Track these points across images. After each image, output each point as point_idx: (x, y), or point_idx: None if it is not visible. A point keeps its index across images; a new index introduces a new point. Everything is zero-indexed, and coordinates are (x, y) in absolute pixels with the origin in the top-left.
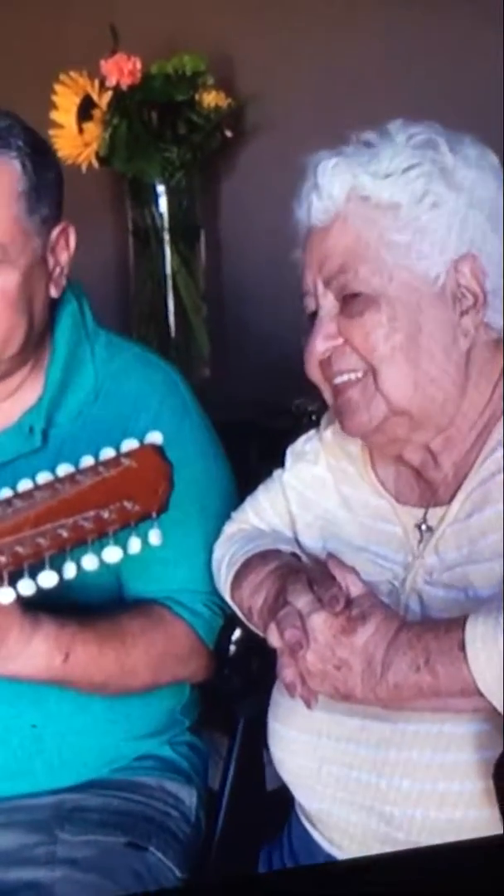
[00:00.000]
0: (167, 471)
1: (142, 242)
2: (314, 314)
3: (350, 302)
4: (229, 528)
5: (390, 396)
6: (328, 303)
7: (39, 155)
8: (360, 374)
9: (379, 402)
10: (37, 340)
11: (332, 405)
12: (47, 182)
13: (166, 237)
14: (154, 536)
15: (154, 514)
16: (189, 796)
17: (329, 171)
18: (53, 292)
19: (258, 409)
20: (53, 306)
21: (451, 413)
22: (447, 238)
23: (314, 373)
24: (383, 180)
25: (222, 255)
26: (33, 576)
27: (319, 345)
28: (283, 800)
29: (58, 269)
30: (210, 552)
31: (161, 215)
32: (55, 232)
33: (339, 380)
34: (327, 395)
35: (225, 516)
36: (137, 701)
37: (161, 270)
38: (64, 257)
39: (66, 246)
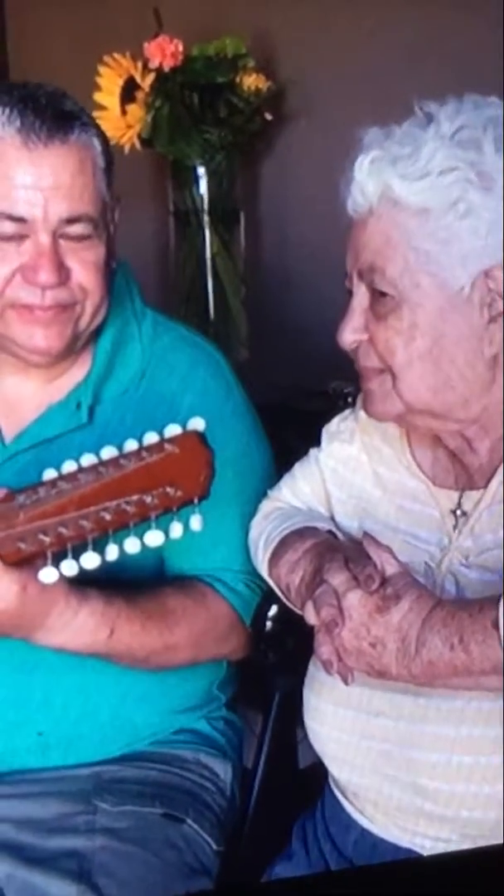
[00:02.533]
0: (209, 457)
1: (182, 224)
2: (351, 293)
3: (378, 299)
4: (266, 506)
5: (406, 398)
6: (360, 294)
7: (104, 133)
8: (380, 370)
9: (395, 400)
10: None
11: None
12: (112, 156)
13: (206, 219)
14: (195, 522)
15: (196, 501)
16: (225, 771)
17: (366, 167)
18: (113, 264)
19: (295, 392)
20: None
21: (477, 409)
22: (477, 247)
23: (353, 356)
24: (416, 182)
25: (261, 237)
26: (76, 556)
27: (347, 336)
28: (316, 776)
29: (113, 243)
30: (247, 533)
31: (201, 197)
32: (115, 203)
33: (362, 369)
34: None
35: (265, 494)
36: (176, 677)
37: (201, 252)
38: (113, 230)
39: (113, 218)
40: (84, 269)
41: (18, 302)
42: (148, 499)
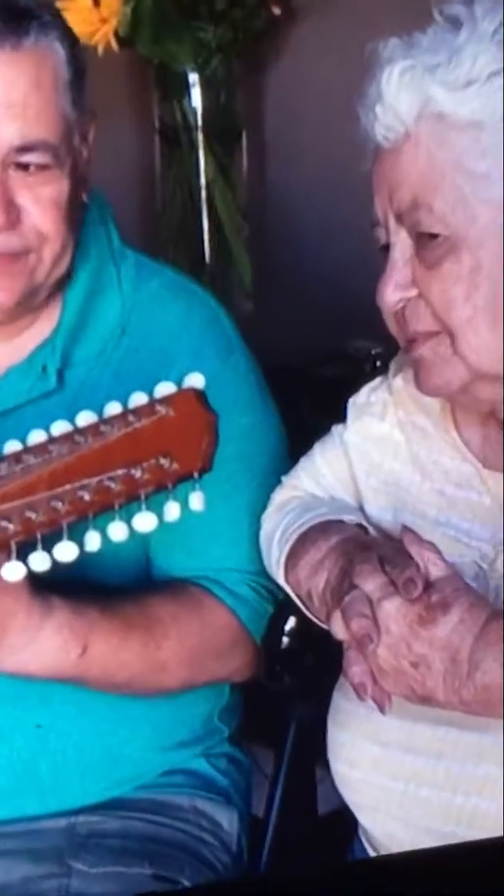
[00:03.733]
0: (211, 421)
1: (170, 145)
2: (387, 247)
3: (426, 244)
4: (280, 496)
5: (471, 361)
6: (401, 242)
7: (72, 33)
8: (434, 332)
9: (457, 366)
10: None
11: (410, 358)
12: (83, 64)
13: (200, 138)
14: (196, 500)
15: (196, 474)
16: (229, 820)
17: (395, 80)
18: (84, 197)
19: (310, 353)
20: None
21: None
22: None
23: (389, 322)
24: (463, 91)
25: (267, 161)
26: (48, 548)
27: (390, 295)
28: (340, 825)
29: (85, 170)
30: (257, 523)
31: (194, 111)
32: (87, 124)
33: (413, 334)
34: (403, 346)
35: (275, 479)
36: (166, 703)
37: (193, 180)
38: (86, 155)
39: (87, 142)
40: (40, 208)
41: None
42: (137, 473)
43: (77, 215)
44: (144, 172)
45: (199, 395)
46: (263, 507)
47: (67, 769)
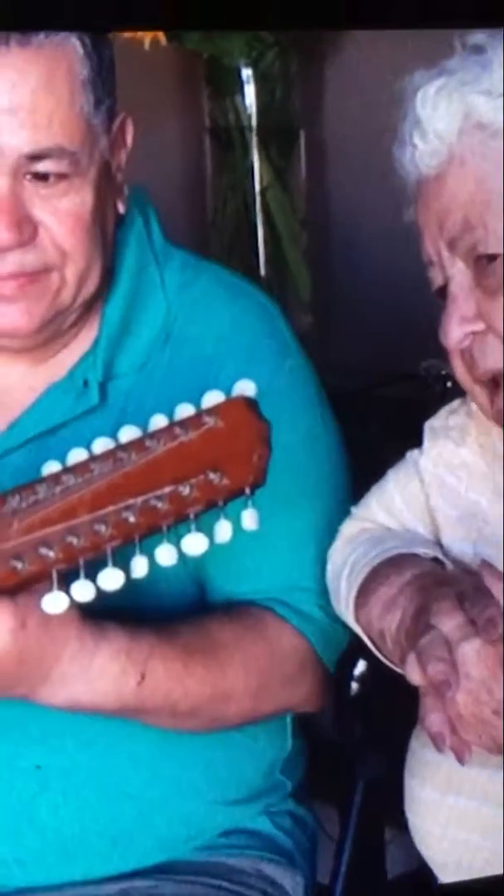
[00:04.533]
0: (264, 431)
1: (222, 147)
2: (443, 289)
3: (486, 269)
4: (349, 528)
5: None
6: (458, 273)
7: (93, 25)
8: None
9: None
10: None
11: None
12: (108, 60)
13: (254, 140)
14: (249, 519)
15: (248, 490)
16: (293, 885)
17: (431, 98)
18: (120, 207)
19: (375, 372)
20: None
21: None
22: None
23: (457, 367)
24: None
25: (328, 165)
26: (92, 575)
27: (455, 331)
28: (412, 889)
29: (120, 175)
30: (321, 540)
31: (247, 110)
32: (115, 126)
33: (482, 375)
34: (469, 390)
35: (338, 495)
36: (223, 751)
37: (247, 185)
38: (123, 158)
39: (123, 143)
40: (60, 222)
41: None
42: (185, 490)
43: (109, 228)
44: (194, 177)
45: (250, 404)
46: (325, 527)
47: (117, 831)
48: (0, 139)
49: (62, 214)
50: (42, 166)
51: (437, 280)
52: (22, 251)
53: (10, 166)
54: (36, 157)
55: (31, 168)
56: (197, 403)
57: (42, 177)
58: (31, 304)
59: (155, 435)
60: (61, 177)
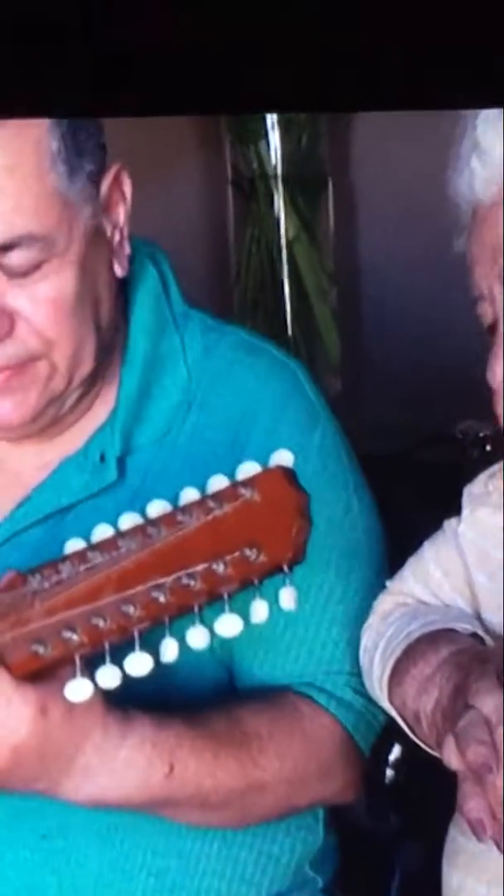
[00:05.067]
0: (303, 503)
1: (245, 197)
2: (493, 326)
3: None
4: (383, 604)
5: None
6: None
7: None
8: None
9: None
10: (109, 340)
11: None
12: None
13: (279, 189)
14: (287, 597)
15: (286, 566)
16: None
17: (492, 122)
18: (119, 271)
19: (408, 436)
20: (123, 283)
21: None
22: None
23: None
24: None
25: (358, 216)
26: (118, 660)
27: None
28: None
29: (118, 236)
30: (356, 618)
31: (272, 158)
32: (105, 185)
33: None
34: None
35: (373, 569)
36: (245, 846)
37: (273, 238)
38: (122, 216)
39: (122, 198)
40: (38, 309)
41: None
42: (219, 568)
43: (105, 298)
44: (215, 231)
45: (288, 475)
46: (360, 604)
47: None
48: None
49: (40, 302)
50: (12, 258)
51: (486, 316)
52: (1, 344)
53: None
54: (3, 248)
55: (1, 256)
56: (229, 475)
57: (12, 268)
58: (20, 396)
59: (187, 509)
60: (33, 266)
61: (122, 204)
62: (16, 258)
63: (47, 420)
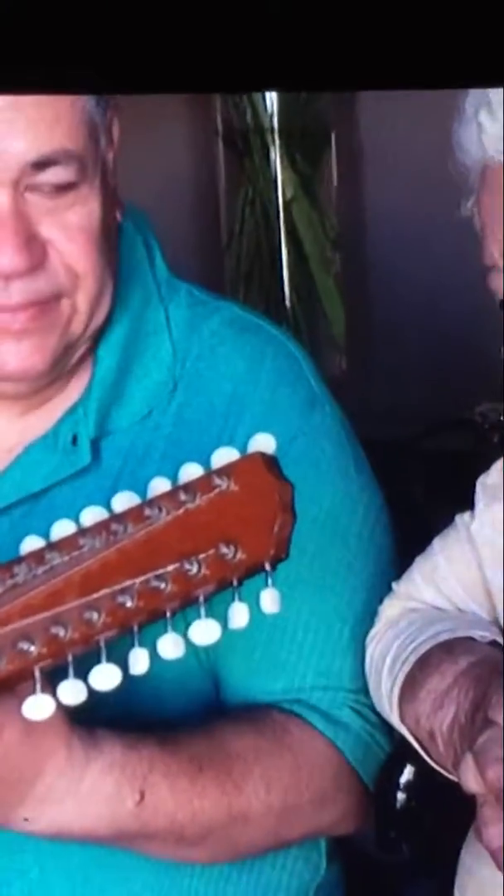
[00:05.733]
0: (286, 494)
1: (237, 154)
2: None
3: None
4: (390, 609)
5: None
6: None
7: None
8: None
9: None
10: None
11: None
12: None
13: (276, 146)
14: (269, 600)
15: (268, 564)
16: None
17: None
18: (118, 214)
19: (421, 420)
20: None
21: None
22: None
23: None
24: None
25: (363, 174)
26: (82, 673)
27: None
28: None
29: (112, 180)
30: (357, 625)
31: (268, 109)
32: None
33: None
34: None
35: (377, 569)
36: (237, 881)
37: (268, 198)
38: (111, 158)
39: (112, 141)
40: (71, 240)
41: None
42: (192, 568)
43: (114, 244)
44: (204, 190)
45: (269, 463)
46: (362, 609)
47: None
48: (0, 146)
49: (73, 230)
50: (48, 175)
51: (500, 288)
52: (31, 278)
53: (12, 178)
54: (41, 164)
55: (34, 178)
56: (206, 463)
57: (47, 188)
58: (42, 339)
59: (155, 502)
60: (68, 186)
61: (112, 148)
62: (51, 176)
63: (53, 377)
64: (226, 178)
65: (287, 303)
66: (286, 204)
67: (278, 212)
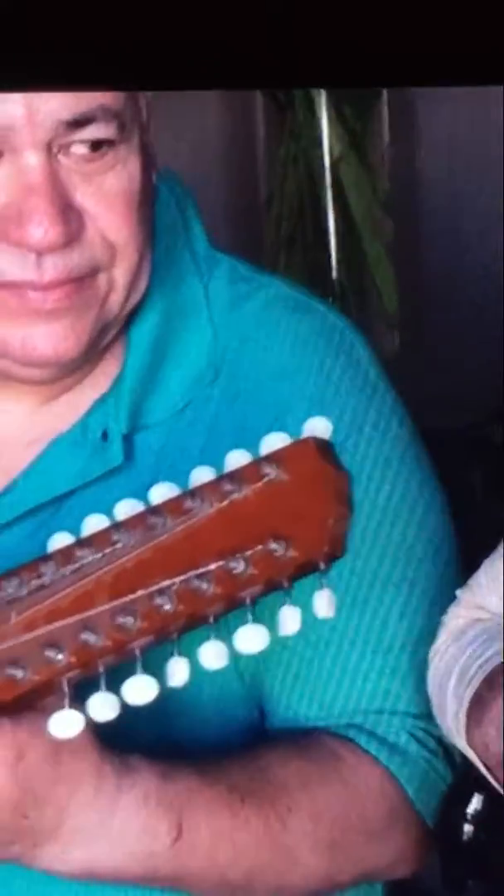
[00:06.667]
0: (342, 484)
1: (279, 107)
2: None
3: None
4: (455, 620)
5: None
6: None
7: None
8: None
9: None
10: None
11: None
12: None
13: (322, 98)
14: (324, 603)
15: (322, 564)
16: None
17: None
18: (154, 177)
19: (480, 407)
20: None
21: None
22: None
23: None
24: None
25: (419, 131)
26: (114, 686)
27: None
28: None
29: (148, 138)
30: (418, 639)
31: None
32: None
33: None
34: None
35: (439, 574)
36: None
37: (314, 157)
38: (147, 115)
39: (145, 99)
40: (109, 207)
41: None
42: (238, 566)
43: (150, 210)
44: (243, 148)
45: (324, 449)
46: (423, 620)
47: None
48: (31, 104)
49: (111, 196)
50: (84, 134)
51: None
52: (67, 252)
53: (44, 139)
54: (76, 123)
55: (69, 138)
56: (253, 451)
57: (83, 149)
58: (76, 320)
59: (198, 493)
60: (106, 146)
61: (146, 103)
62: (89, 134)
63: (81, 362)
64: (266, 133)
65: (333, 274)
66: (333, 163)
67: (324, 171)
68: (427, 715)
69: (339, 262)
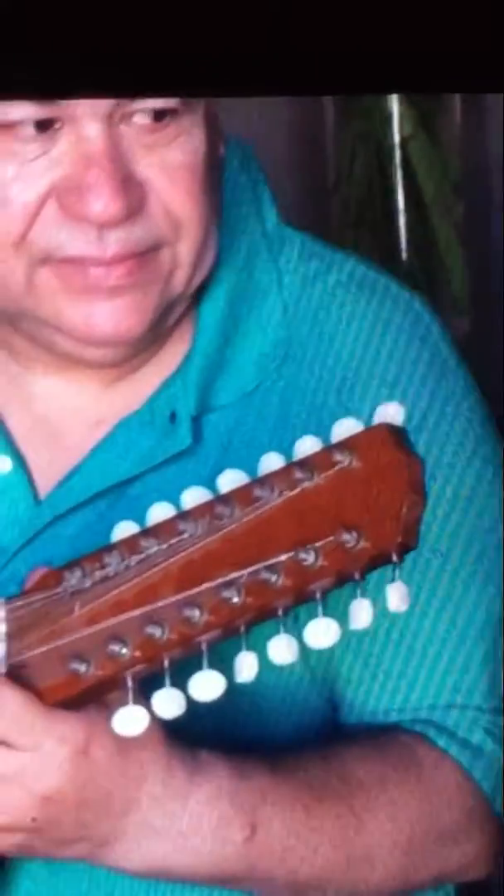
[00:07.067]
0: (417, 472)
1: None
2: None
3: None
4: None
5: None
6: None
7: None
8: None
9: None
10: None
11: None
12: None
13: None
14: (397, 595)
15: (395, 555)
16: None
17: None
18: (222, 149)
19: None
20: None
21: None
22: None
23: None
24: None
25: (491, 110)
26: (181, 682)
27: None
28: None
29: (215, 107)
30: (494, 633)
31: None
32: None
33: None
34: None
35: None
36: None
37: (383, 137)
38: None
39: None
40: (173, 180)
41: (56, 255)
42: (308, 558)
43: (217, 183)
44: (308, 125)
45: (398, 436)
46: (499, 614)
47: None
48: None
49: (174, 168)
50: (147, 104)
51: None
52: (128, 226)
53: (105, 108)
54: None
55: (131, 108)
56: (325, 439)
57: (145, 118)
58: (140, 297)
59: (267, 481)
60: (170, 115)
61: None
62: (152, 103)
63: (145, 342)
64: (334, 111)
65: (402, 255)
66: (403, 142)
67: (393, 151)
68: (501, 710)
69: (408, 244)
